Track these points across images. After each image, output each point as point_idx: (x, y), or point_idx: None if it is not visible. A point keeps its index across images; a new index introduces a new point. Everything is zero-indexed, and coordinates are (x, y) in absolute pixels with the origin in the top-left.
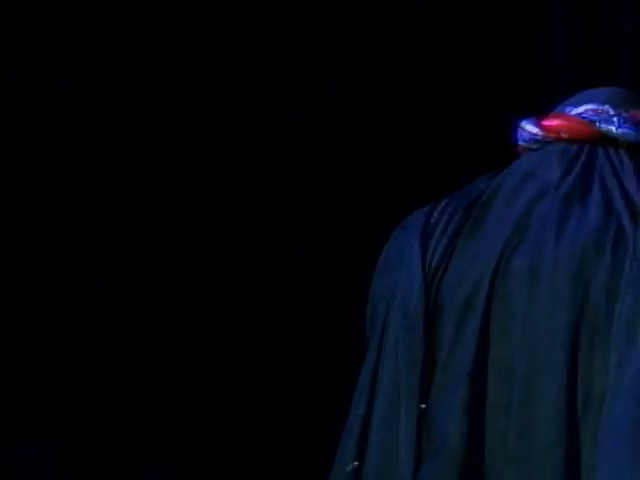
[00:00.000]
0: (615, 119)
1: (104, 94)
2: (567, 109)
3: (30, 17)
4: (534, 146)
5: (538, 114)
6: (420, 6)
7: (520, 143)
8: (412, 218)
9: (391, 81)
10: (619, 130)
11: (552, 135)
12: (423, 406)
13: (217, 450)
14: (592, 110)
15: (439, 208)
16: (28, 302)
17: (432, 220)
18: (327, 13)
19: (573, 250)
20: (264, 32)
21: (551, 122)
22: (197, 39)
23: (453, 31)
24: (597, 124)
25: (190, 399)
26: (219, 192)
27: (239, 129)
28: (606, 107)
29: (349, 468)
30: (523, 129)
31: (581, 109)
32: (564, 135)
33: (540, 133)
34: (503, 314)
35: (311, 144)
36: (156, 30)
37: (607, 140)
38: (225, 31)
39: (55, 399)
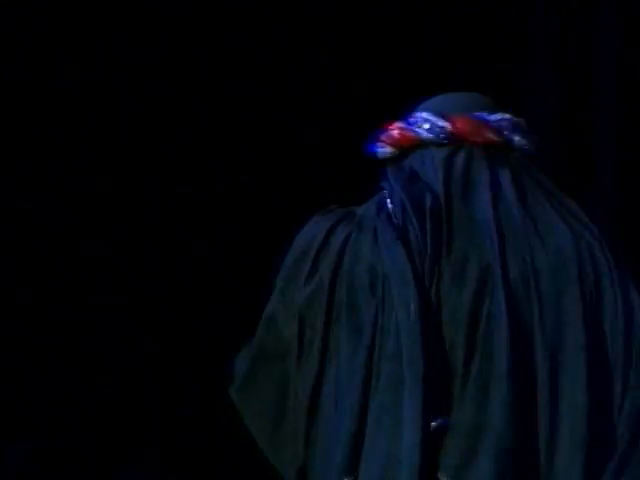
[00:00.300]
0: (526, 132)
1: (104, 94)
2: (478, 114)
3: (30, 17)
4: (439, 139)
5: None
6: (420, 6)
7: (419, 131)
8: (367, 220)
9: (390, 82)
10: (524, 142)
11: (464, 136)
12: (434, 423)
13: (216, 450)
14: (507, 120)
15: (394, 211)
16: (28, 302)
17: (398, 225)
18: (327, 13)
19: (562, 261)
20: (264, 32)
21: (467, 125)
22: (197, 39)
23: (448, 33)
24: (507, 133)
25: (190, 399)
26: (220, 192)
27: (239, 128)
28: (522, 120)
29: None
30: (432, 122)
31: (498, 116)
32: (478, 139)
33: (452, 131)
34: (518, 320)
35: (310, 144)
36: (156, 30)
37: (510, 148)
38: (225, 31)
39: (54, 399)
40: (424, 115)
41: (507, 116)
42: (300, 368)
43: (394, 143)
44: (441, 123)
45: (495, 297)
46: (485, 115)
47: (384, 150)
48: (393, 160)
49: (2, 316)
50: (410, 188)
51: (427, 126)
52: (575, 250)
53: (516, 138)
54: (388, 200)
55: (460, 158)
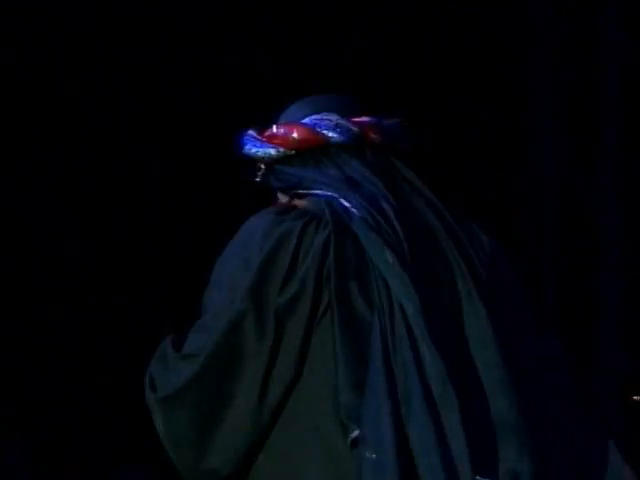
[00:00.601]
0: (405, 137)
1: (104, 94)
2: (376, 118)
3: (30, 17)
4: (348, 142)
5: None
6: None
7: (328, 133)
8: (342, 224)
9: (390, 82)
10: (406, 146)
11: (370, 139)
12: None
13: None
14: (395, 124)
15: (363, 216)
16: (28, 302)
17: (375, 228)
18: (327, 13)
19: (494, 260)
20: (265, 31)
21: (371, 128)
22: (197, 39)
23: (450, 38)
24: (397, 138)
25: None
26: (220, 192)
27: (238, 128)
28: (405, 125)
29: None
30: (342, 125)
31: (390, 121)
32: (378, 142)
33: (361, 134)
34: (493, 315)
35: None
36: (156, 30)
37: (396, 152)
38: (224, 31)
39: (54, 399)
40: (331, 117)
41: (395, 120)
42: (268, 372)
43: (291, 144)
44: (350, 126)
45: (469, 295)
46: (380, 119)
47: (272, 150)
48: (282, 161)
49: (2, 316)
50: (361, 192)
51: (338, 128)
52: (496, 250)
53: (401, 142)
54: (347, 204)
55: (375, 161)
